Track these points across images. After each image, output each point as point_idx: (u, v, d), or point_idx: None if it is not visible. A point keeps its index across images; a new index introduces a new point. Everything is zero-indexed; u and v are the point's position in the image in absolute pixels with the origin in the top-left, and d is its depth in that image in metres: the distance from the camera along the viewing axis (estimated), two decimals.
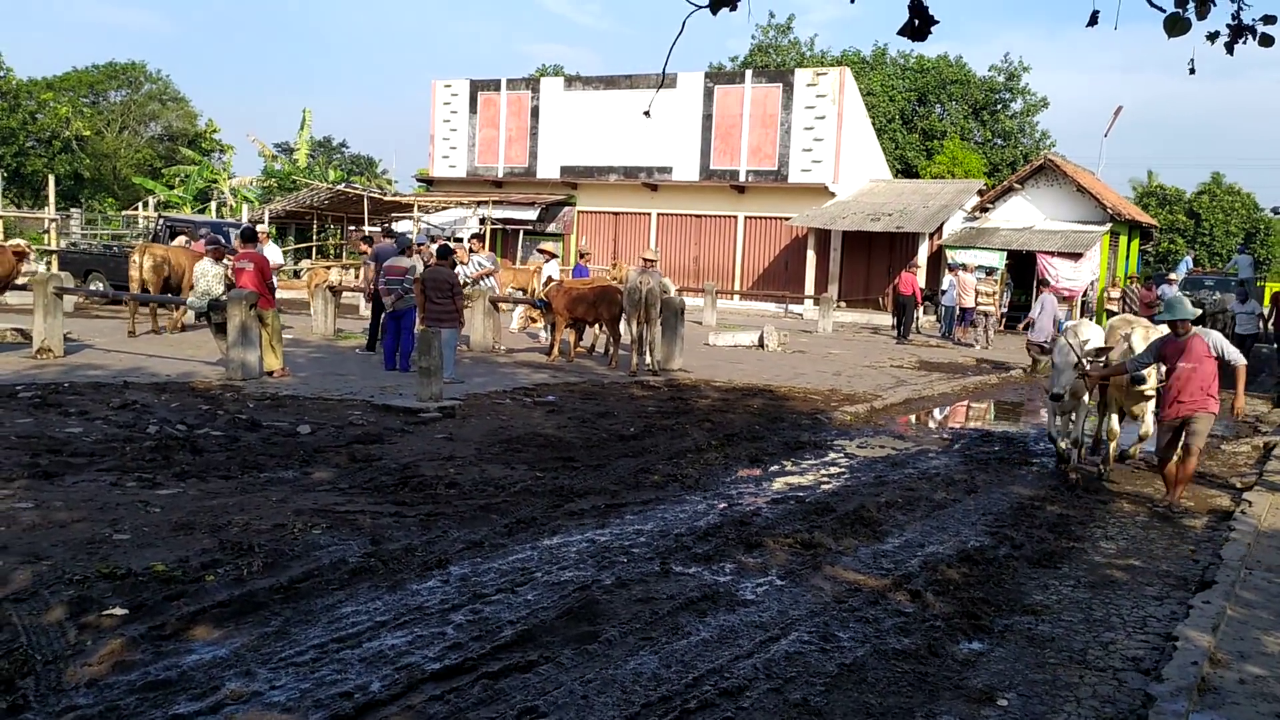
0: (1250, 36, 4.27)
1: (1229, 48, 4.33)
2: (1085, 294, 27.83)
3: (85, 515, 6.63)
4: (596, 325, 16.62)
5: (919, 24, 4.11)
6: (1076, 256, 27.22)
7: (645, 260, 16.21)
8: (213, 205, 38.62)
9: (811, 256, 31.71)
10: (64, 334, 13.69)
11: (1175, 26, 4.45)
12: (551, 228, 35.85)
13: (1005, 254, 27.94)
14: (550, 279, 17.17)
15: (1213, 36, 4.37)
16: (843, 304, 30.40)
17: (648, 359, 15.30)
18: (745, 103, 32.89)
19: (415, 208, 31.09)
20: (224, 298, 12.58)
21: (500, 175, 36.65)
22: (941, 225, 29.92)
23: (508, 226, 34.86)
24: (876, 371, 17.23)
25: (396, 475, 8.30)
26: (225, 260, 13.59)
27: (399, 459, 8.91)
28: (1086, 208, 28.95)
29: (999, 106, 49.68)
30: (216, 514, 6.85)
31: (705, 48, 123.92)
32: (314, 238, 35.37)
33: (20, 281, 16.00)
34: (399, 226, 29.57)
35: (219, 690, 4.40)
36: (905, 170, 44.66)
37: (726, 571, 6.37)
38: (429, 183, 38.51)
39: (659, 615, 5.53)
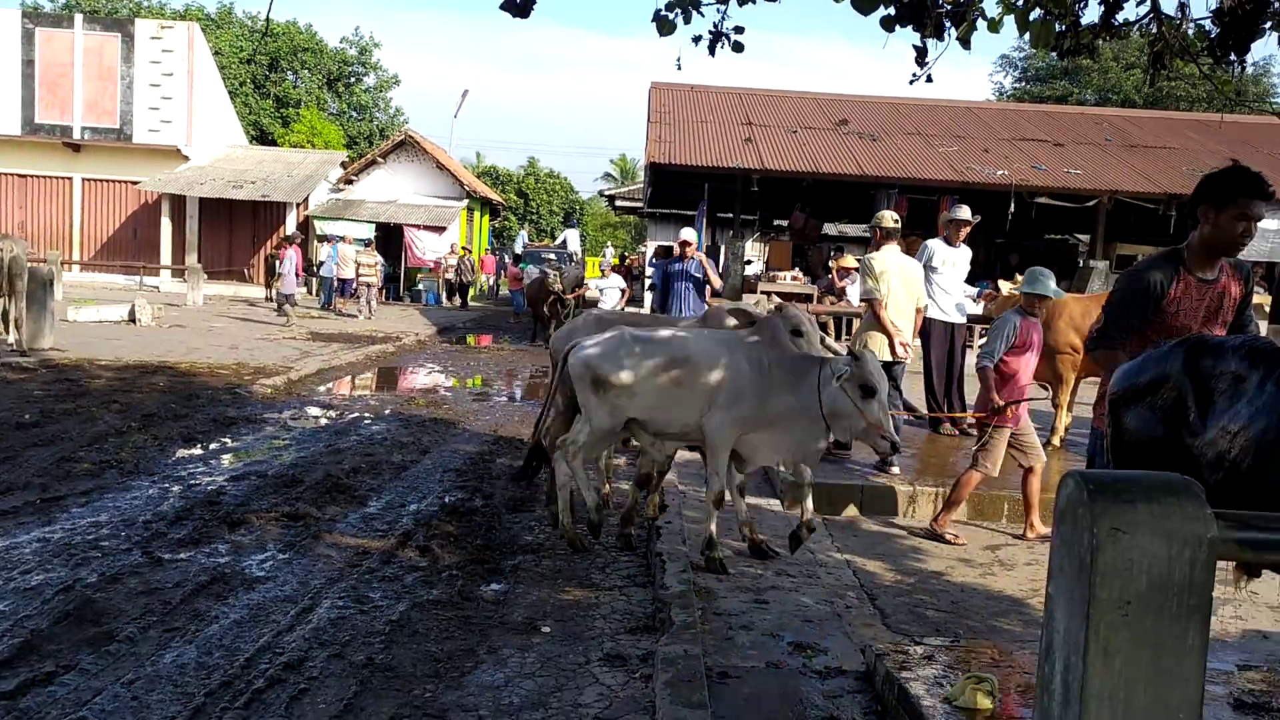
0: (726, 42, 5.13)
1: (711, 49, 5.15)
2: (445, 265, 29.67)
3: None
4: None
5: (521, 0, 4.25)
6: (440, 230, 28.90)
7: None
8: None
9: (167, 225, 29.48)
10: None
11: (664, 27, 5.17)
12: None
13: (374, 226, 28.67)
14: None
15: (697, 39, 5.16)
16: (205, 276, 28.77)
17: (11, 337, 13.23)
18: (77, 51, 29.33)
19: None
20: None
21: None
22: (308, 196, 29.69)
23: None
24: (274, 344, 16.76)
25: None
26: None
27: None
28: (445, 184, 30.82)
29: (353, 80, 50.33)
30: None
31: None
32: None
33: None
34: None
35: None
36: (261, 137, 43.23)
37: (222, 552, 5.98)
38: None
39: (173, 605, 5.07)
